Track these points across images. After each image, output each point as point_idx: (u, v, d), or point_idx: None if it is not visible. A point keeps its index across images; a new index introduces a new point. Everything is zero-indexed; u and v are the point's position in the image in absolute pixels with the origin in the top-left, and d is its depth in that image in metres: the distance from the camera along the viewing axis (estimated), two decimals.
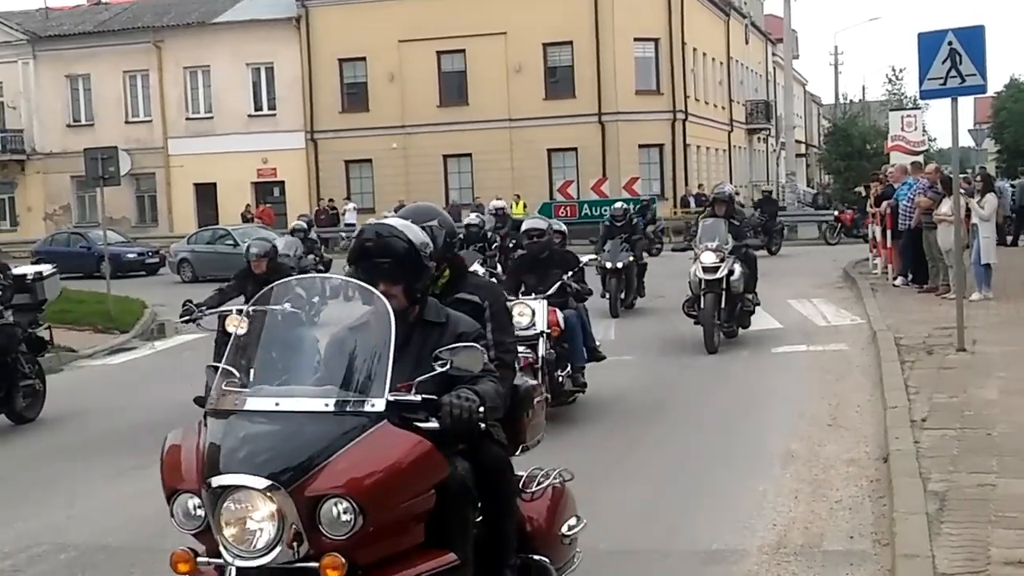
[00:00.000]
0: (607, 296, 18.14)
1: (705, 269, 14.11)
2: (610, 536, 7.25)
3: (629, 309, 19.02)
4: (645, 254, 22.15)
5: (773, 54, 67.73)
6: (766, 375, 12.85)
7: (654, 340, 15.65)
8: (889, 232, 20.01)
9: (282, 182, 47.97)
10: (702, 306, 14.11)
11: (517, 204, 42.51)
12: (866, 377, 11.91)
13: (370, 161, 46.62)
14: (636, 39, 44.87)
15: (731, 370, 13.33)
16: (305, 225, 22.45)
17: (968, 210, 16.39)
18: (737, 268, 14.26)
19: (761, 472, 8.48)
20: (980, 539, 6.24)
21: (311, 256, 19.48)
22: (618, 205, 21.88)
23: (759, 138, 64.14)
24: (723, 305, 14.18)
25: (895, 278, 19.63)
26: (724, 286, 14.10)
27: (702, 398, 11.82)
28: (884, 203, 20.39)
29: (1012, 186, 29.87)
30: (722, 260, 14.09)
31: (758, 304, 15.19)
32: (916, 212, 18.04)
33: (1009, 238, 27.25)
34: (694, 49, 48.04)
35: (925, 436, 8.59)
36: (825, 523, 7.21)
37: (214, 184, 47.44)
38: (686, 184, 44.72)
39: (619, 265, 18.43)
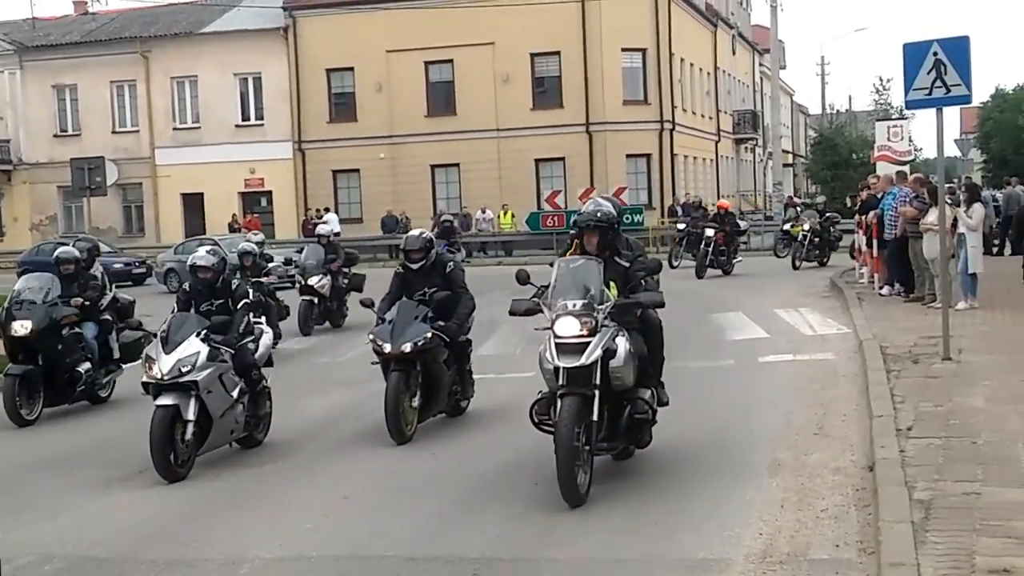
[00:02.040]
0: None
1: (562, 348, 8.30)
2: (596, 545, 7.27)
3: None
4: None
5: (760, 64, 67.92)
6: (752, 384, 12.86)
7: None
8: (875, 242, 20.08)
9: (269, 192, 47.87)
10: (558, 415, 8.18)
11: (505, 214, 42.62)
12: (852, 386, 11.94)
13: (358, 171, 46.56)
14: (623, 49, 44.93)
15: (717, 379, 13.33)
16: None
17: (954, 220, 16.45)
18: (621, 345, 8.47)
19: (748, 481, 8.50)
20: (965, 547, 6.26)
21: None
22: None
23: (746, 148, 64.29)
24: (594, 416, 8.25)
25: (881, 287, 19.70)
26: (598, 379, 8.30)
27: (688, 407, 11.78)
28: (871, 212, 20.47)
29: (995, 199, 29.96)
30: (592, 332, 8.29)
31: (665, 403, 9.18)
32: (900, 221, 18.11)
33: (995, 247, 27.35)
34: (681, 59, 48.13)
35: (911, 445, 8.62)
36: (811, 532, 7.23)
37: (201, 194, 47.33)
38: (673, 194, 44.80)
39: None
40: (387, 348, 10.77)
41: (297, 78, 46.66)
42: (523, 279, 9.22)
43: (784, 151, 61.78)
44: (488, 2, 42.93)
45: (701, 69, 52.62)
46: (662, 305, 8.87)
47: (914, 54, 12.49)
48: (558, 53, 44.71)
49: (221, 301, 10.88)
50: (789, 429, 10.19)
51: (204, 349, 10.02)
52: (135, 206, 49.21)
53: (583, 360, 8.21)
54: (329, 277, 20.54)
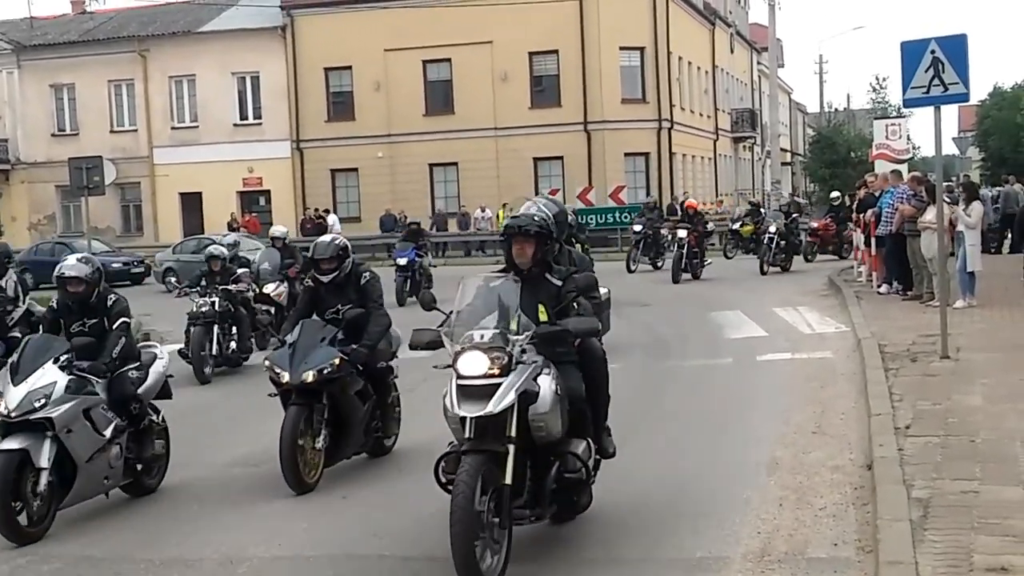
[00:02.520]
0: None
1: (466, 391, 6.59)
2: (594, 544, 7.26)
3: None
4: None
5: (758, 63, 67.92)
6: (751, 383, 12.86)
7: (638, 348, 15.64)
8: (873, 240, 20.07)
9: (268, 191, 47.90)
10: (456, 479, 6.45)
11: (504, 213, 42.62)
12: (851, 384, 11.93)
13: (356, 170, 46.58)
14: (621, 48, 44.96)
15: (716, 378, 13.33)
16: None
17: (953, 218, 16.44)
18: (545, 386, 6.73)
19: (746, 479, 8.49)
20: (963, 546, 6.26)
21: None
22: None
23: (744, 146, 64.29)
24: (507, 479, 6.48)
25: (879, 285, 19.69)
26: (513, 430, 6.54)
27: (687, 406, 11.82)
28: (868, 211, 20.47)
29: (995, 198, 29.97)
30: (505, 370, 6.57)
31: (611, 454, 7.69)
32: (897, 217, 18.08)
33: (993, 246, 27.35)
34: (679, 58, 48.15)
35: (909, 443, 8.62)
36: (809, 530, 7.22)
37: (199, 193, 47.35)
38: (672, 192, 44.79)
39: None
40: (285, 377, 9.06)
41: (295, 77, 46.67)
42: (428, 303, 7.71)
43: (782, 149, 61.84)
44: (486, 1, 42.91)
45: (699, 68, 52.64)
46: (595, 333, 7.38)
47: (912, 52, 12.48)
48: (556, 52, 44.75)
49: (96, 320, 9.06)
50: (787, 427, 10.19)
51: (63, 378, 8.24)
52: (133, 205, 49.24)
53: (490, 408, 6.44)
54: (286, 284, 18.43)
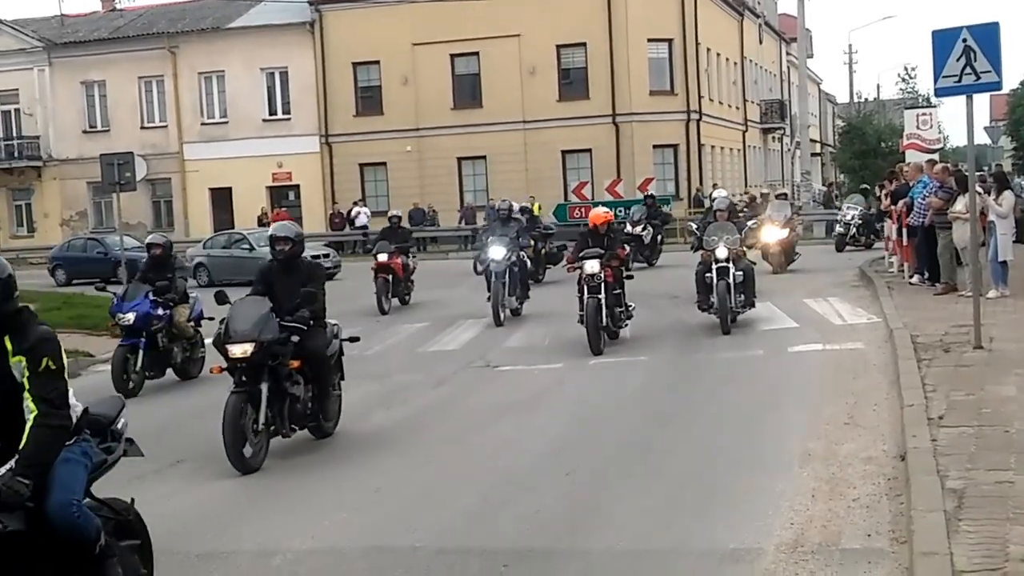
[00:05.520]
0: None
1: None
2: (627, 536, 7.27)
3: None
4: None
5: (787, 53, 67.59)
6: (782, 374, 12.81)
7: (668, 340, 15.64)
8: (905, 230, 19.95)
9: (297, 186, 48.06)
10: None
11: (532, 206, 42.54)
12: (883, 375, 11.88)
13: (385, 164, 46.66)
14: (650, 40, 44.83)
15: (747, 369, 13.30)
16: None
17: (984, 207, 16.33)
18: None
19: (778, 471, 8.48)
20: (998, 536, 6.23)
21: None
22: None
23: (774, 137, 64.02)
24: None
25: (911, 276, 19.58)
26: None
27: (718, 398, 11.81)
28: (900, 201, 20.34)
29: None
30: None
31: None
32: (929, 211, 18.00)
33: None
34: (708, 49, 47.98)
35: (942, 434, 8.58)
36: (843, 521, 7.21)
37: (229, 189, 47.60)
38: (700, 184, 44.66)
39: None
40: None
41: (323, 72, 46.79)
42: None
43: (812, 140, 61.37)
44: None
45: (728, 59, 52.44)
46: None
47: (943, 41, 12.40)
48: (584, 44, 44.67)
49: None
50: (819, 419, 10.15)
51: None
52: (164, 201, 49.50)
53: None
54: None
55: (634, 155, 44.35)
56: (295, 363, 10.02)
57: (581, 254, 15.14)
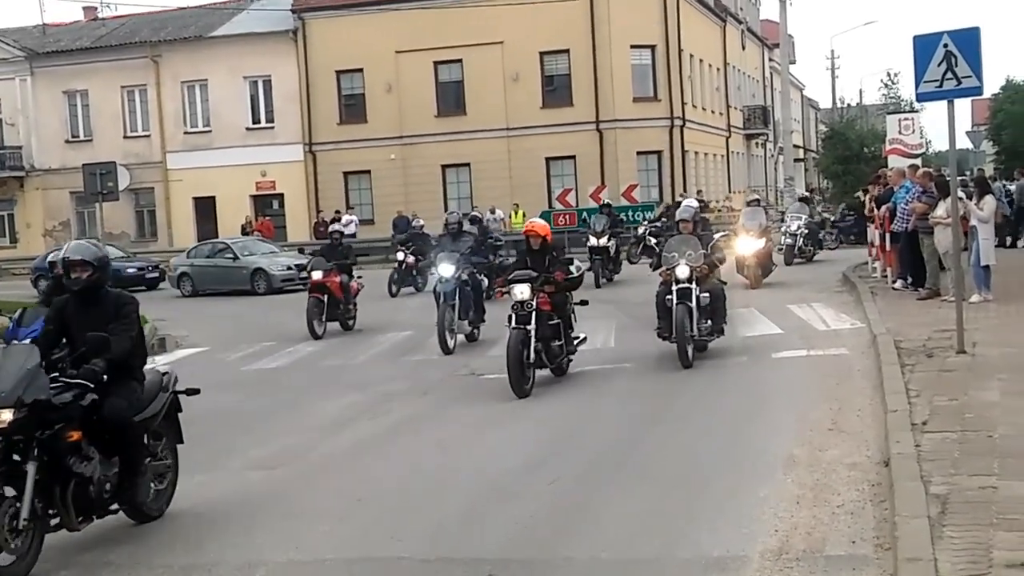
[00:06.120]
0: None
1: None
2: (611, 544, 7.25)
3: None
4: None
5: (770, 59, 67.78)
6: (766, 380, 12.82)
7: (653, 348, 15.60)
8: (888, 235, 20.01)
9: (281, 195, 48.01)
10: None
11: (516, 213, 42.56)
12: (867, 381, 11.89)
13: (369, 172, 46.65)
14: (633, 46, 44.93)
15: (731, 376, 13.31)
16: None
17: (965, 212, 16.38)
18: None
19: (763, 477, 8.47)
20: (982, 542, 6.23)
21: None
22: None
23: (757, 143, 64.18)
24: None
25: (894, 281, 19.63)
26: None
27: (703, 404, 11.80)
28: (883, 207, 20.40)
29: (1008, 191, 29.81)
30: None
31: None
32: (912, 216, 18.05)
33: (1008, 239, 27.24)
34: (691, 55, 48.10)
35: (926, 439, 8.58)
36: (827, 528, 7.20)
37: (213, 198, 47.49)
38: (684, 190, 44.71)
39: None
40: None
41: (307, 80, 46.77)
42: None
43: (795, 146, 61.73)
44: (496, 1, 42.96)
45: (711, 65, 52.59)
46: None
47: (924, 46, 12.44)
48: (567, 51, 44.76)
49: None
50: (803, 425, 10.15)
51: None
52: (147, 211, 49.40)
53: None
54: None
55: (618, 162, 44.42)
56: (75, 434, 7.49)
57: (510, 276, 13.29)
